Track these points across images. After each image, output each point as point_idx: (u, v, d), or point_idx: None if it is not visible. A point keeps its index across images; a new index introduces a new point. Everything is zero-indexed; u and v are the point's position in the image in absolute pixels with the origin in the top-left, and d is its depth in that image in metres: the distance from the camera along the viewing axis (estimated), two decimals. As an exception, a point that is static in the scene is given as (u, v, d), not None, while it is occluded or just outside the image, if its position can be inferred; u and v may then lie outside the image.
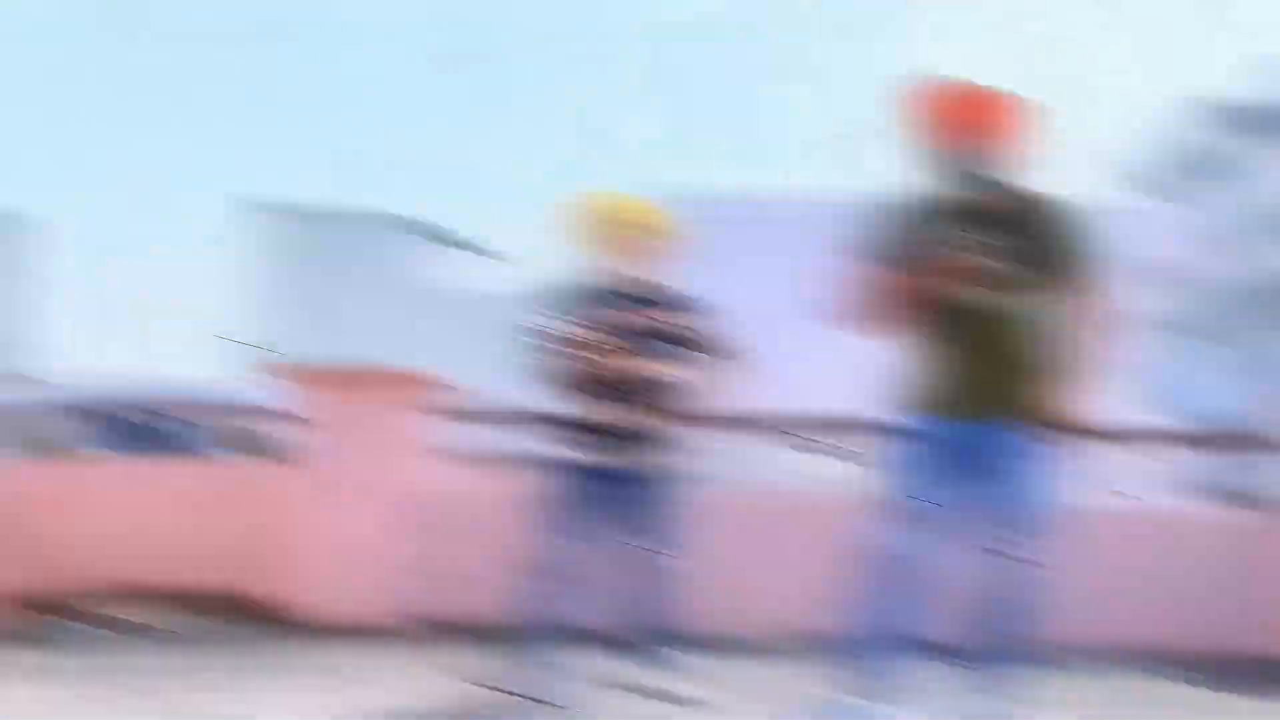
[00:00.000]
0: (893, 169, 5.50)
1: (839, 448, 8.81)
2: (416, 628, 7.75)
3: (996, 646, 5.36)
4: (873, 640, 5.35)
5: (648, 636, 6.22)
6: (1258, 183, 36.81)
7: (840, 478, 8.47)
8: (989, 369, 5.35)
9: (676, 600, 6.18)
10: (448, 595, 7.89)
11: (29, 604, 7.69)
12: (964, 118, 5.32)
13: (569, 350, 6.12)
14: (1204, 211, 32.93)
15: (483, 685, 6.03)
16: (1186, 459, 8.38)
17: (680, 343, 6.18)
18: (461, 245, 40.78)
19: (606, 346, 6.09)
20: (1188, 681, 7.01)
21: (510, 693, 5.94)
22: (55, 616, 7.64)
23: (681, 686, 6.11)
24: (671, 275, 6.32)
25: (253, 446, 12.07)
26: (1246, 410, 29.85)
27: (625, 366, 6.09)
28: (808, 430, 9.00)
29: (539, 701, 5.90)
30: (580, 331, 6.11)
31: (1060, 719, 5.78)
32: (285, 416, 8.51)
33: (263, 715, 5.74)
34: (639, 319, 6.14)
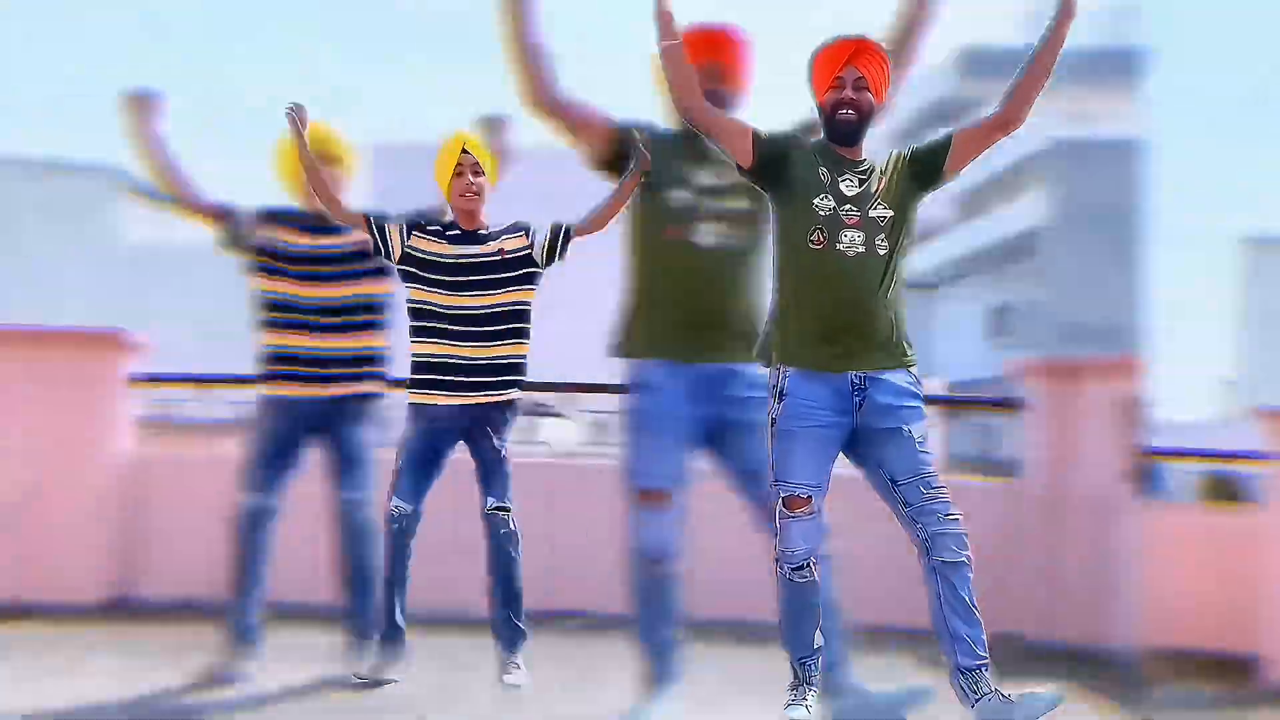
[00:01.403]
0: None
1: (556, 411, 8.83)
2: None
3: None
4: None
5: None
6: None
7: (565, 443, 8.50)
8: (714, 308, 5.59)
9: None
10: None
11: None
12: (697, 56, 5.48)
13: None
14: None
15: None
16: (943, 423, 8.43)
17: (522, 265, 6.25)
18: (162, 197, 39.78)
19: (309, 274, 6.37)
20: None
21: None
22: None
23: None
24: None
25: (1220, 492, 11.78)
26: (994, 370, 30.76)
27: (329, 290, 6.37)
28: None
29: None
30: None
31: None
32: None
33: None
34: (486, 251, 6.21)
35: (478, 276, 6.15)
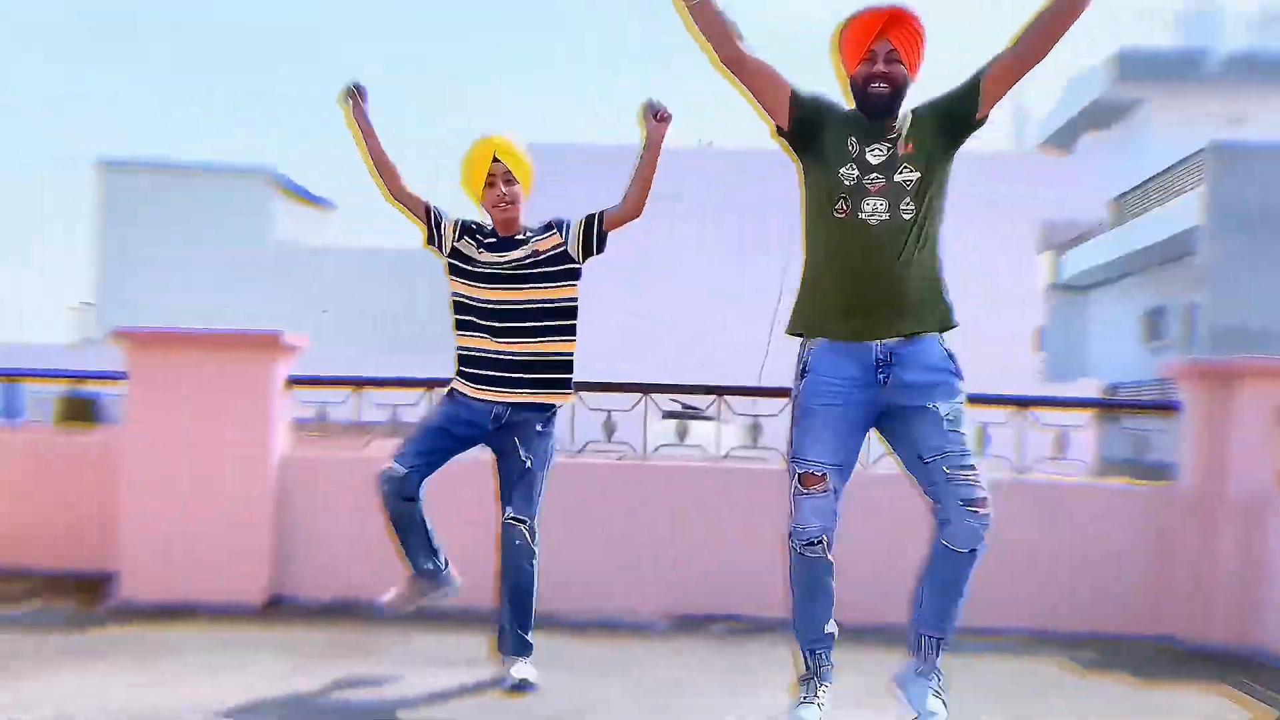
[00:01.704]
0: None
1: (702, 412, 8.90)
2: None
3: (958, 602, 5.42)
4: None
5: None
6: (1152, 135, 37.36)
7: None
8: (881, 287, 5.36)
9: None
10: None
11: None
12: (870, 44, 5.35)
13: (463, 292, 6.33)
14: (1104, 165, 33.26)
15: None
16: (1096, 426, 8.42)
17: (559, 263, 6.31)
18: (318, 200, 40.14)
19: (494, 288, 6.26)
20: (1095, 667, 7.10)
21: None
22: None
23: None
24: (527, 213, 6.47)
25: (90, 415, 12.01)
26: (1149, 373, 30.36)
27: (513, 298, 6.26)
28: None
29: None
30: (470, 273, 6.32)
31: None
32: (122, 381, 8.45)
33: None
34: (518, 256, 6.27)
35: (511, 273, 6.22)
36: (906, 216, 5.29)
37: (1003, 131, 48.59)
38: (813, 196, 5.48)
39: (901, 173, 5.31)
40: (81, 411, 11.79)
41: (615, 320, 24.94)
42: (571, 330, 6.32)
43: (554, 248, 6.28)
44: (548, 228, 6.34)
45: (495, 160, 6.25)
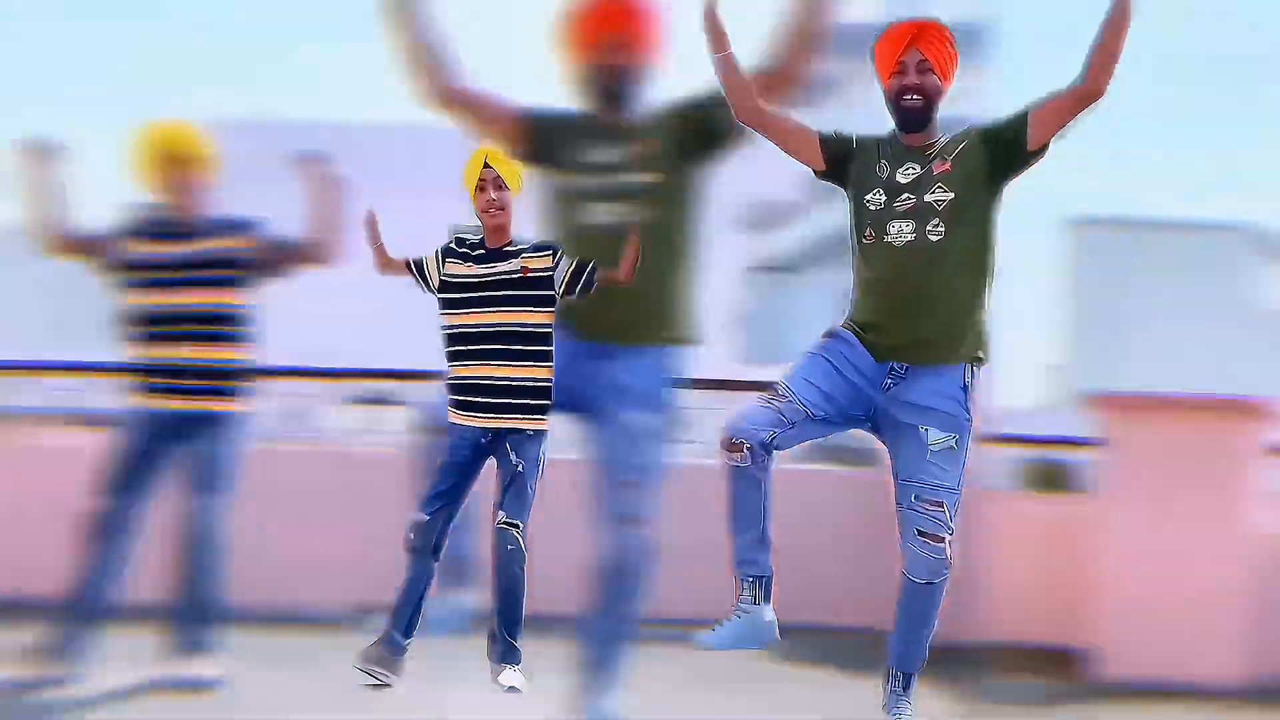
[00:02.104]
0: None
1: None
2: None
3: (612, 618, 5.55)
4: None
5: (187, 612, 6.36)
6: (853, 110, 38.19)
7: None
8: (916, 303, 5.28)
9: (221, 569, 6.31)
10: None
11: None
12: (600, 33, 5.52)
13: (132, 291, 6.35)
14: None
15: None
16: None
17: (234, 266, 6.37)
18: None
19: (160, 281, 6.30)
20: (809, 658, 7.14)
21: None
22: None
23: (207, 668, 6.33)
24: (213, 202, 6.49)
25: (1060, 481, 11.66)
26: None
27: (178, 301, 6.30)
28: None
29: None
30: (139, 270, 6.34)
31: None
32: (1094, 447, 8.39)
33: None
34: (187, 250, 6.33)
35: (501, 293, 6.05)
36: (934, 239, 5.21)
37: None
38: (849, 225, 5.46)
39: (933, 192, 5.24)
40: (1053, 478, 11.37)
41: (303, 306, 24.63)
42: (548, 356, 6.08)
43: (543, 269, 6.07)
44: (542, 248, 6.15)
45: (486, 165, 6.07)
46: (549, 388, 6.08)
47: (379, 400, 8.97)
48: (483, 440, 6.06)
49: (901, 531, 5.27)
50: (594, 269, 6.04)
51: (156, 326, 6.28)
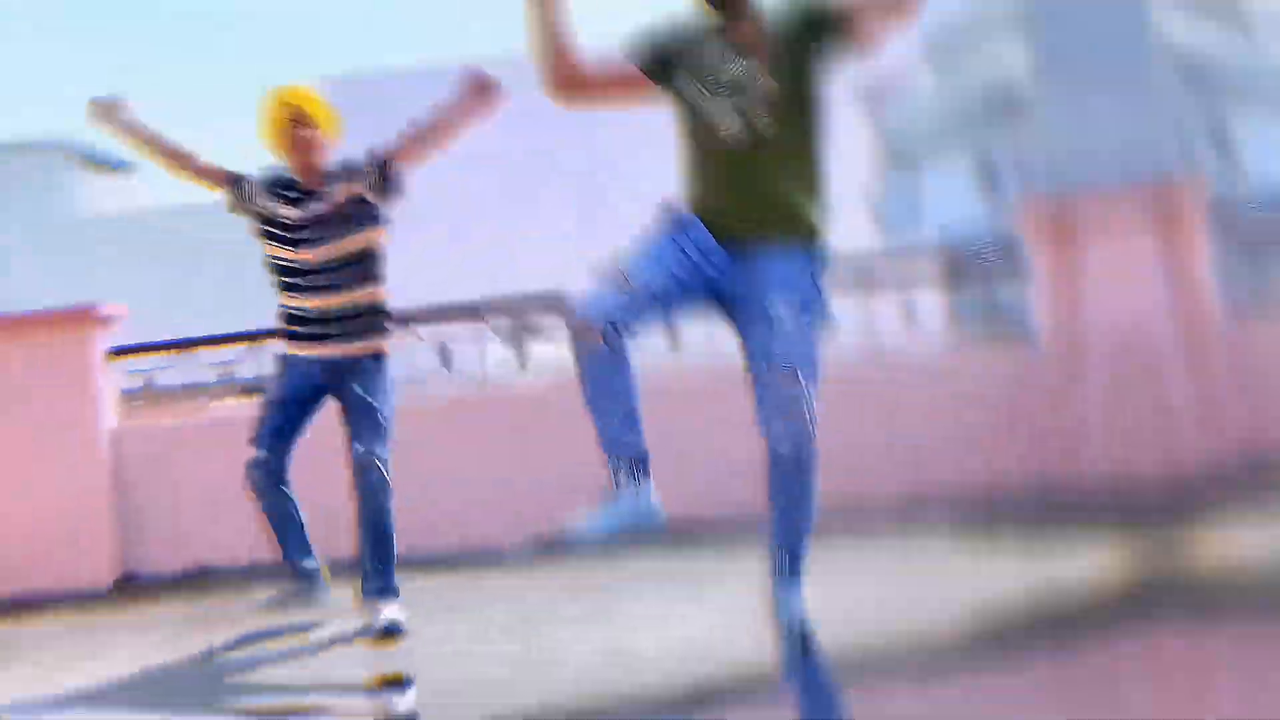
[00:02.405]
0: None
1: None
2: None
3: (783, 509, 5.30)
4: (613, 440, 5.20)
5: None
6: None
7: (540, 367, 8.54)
8: (751, 196, 5.29)
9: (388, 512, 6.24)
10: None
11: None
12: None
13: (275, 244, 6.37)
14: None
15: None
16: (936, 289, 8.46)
17: (361, 209, 6.33)
18: (118, 166, 39.19)
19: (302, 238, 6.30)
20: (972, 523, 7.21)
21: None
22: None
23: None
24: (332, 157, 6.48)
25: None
26: (987, 226, 30.69)
27: (320, 256, 6.29)
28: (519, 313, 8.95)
29: None
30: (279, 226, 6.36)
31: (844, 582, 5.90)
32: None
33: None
34: (318, 210, 6.32)
35: (319, 233, 6.27)
36: (767, 133, 5.23)
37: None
38: (679, 128, 5.41)
39: (756, 84, 5.24)
40: None
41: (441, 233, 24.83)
42: (378, 277, 6.37)
43: (351, 197, 6.31)
44: (344, 175, 6.35)
45: (284, 105, 6.31)
46: (383, 307, 6.35)
47: (523, 332, 8.99)
48: (321, 371, 6.28)
49: (761, 410, 5.19)
50: (386, 161, 6.27)
51: (300, 278, 6.32)
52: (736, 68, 5.27)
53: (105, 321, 8.22)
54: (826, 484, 5.15)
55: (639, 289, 5.11)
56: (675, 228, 5.28)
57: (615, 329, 5.07)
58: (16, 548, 7.93)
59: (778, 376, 5.12)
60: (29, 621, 7.31)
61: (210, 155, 6.53)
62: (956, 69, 35.10)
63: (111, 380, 8.31)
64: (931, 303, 8.63)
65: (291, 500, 6.36)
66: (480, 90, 6.29)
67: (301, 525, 6.41)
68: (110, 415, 8.25)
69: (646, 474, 5.18)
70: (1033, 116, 29.55)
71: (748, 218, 5.26)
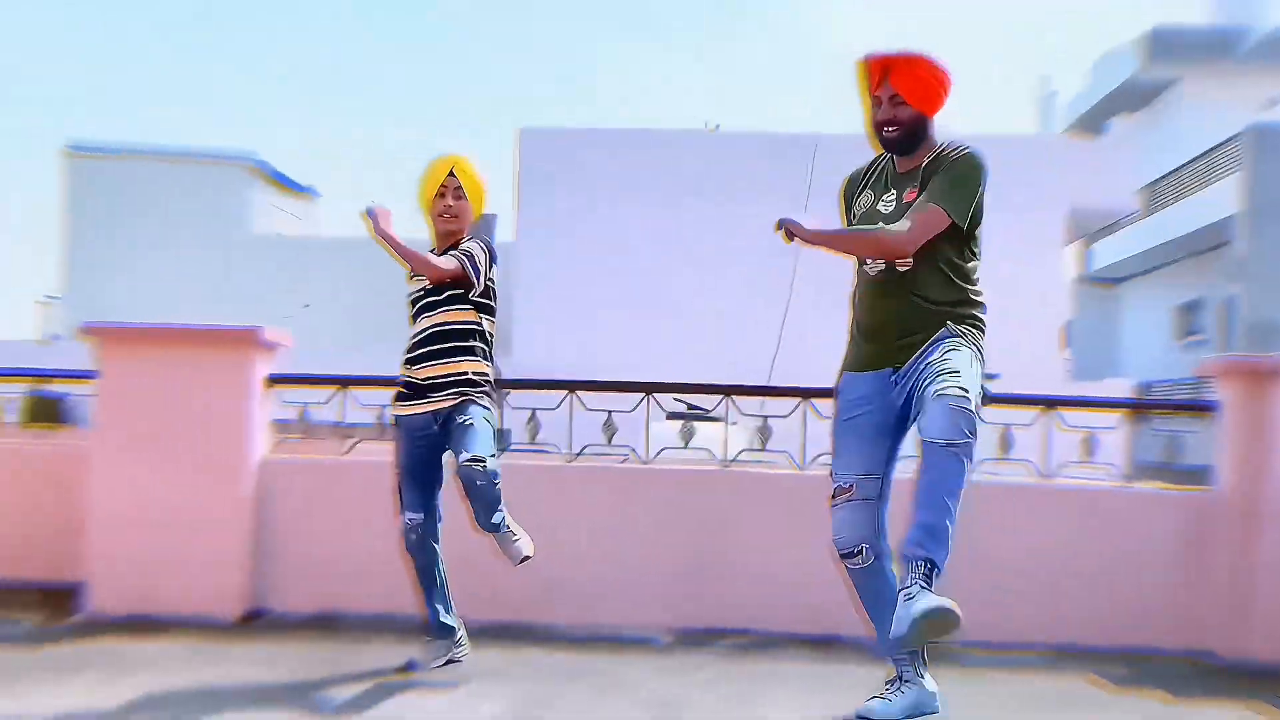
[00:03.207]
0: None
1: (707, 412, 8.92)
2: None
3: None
4: None
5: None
6: (1186, 118, 37.19)
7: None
8: (894, 325, 5.81)
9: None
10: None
11: None
12: (876, 86, 5.86)
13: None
14: (1136, 150, 32.93)
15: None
16: (1128, 429, 8.39)
17: (456, 289, 6.72)
18: (300, 189, 39.88)
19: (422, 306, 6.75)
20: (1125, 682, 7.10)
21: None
22: None
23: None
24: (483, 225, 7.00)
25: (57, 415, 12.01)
26: (1184, 368, 30.25)
27: (422, 326, 6.74)
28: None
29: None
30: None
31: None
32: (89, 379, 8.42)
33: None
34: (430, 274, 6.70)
35: (427, 301, 6.74)
36: (901, 268, 5.77)
37: (1026, 114, 48.48)
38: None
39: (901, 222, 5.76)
40: (49, 412, 11.71)
41: (620, 317, 24.98)
42: (472, 351, 6.73)
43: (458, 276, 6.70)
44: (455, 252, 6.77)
45: (450, 175, 6.77)
46: (469, 377, 6.69)
47: (695, 415, 9.08)
48: (432, 420, 6.66)
49: (919, 405, 5.55)
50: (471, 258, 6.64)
51: (412, 349, 6.74)
52: (891, 205, 5.87)
53: (268, 347, 8.32)
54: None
55: (864, 488, 5.79)
56: (842, 403, 5.95)
57: (872, 544, 5.79)
58: (150, 564, 8.01)
59: (938, 377, 5.50)
60: (151, 640, 7.36)
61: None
62: (1169, 207, 34.88)
63: (266, 408, 8.39)
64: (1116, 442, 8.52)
65: (439, 561, 6.78)
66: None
67: (445, 584, 6.82)
68: (261, 444, 8.34)
69: (925, 665, 5.93)
70: (1240, 259, 29.22)
71: (895, 340, 5.79)
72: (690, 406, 12.67)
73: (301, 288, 32.57)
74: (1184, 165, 34.70)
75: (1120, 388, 27.49)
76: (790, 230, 5.67)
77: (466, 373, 6.65)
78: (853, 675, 6.66)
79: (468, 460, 6.37)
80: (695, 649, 7.57)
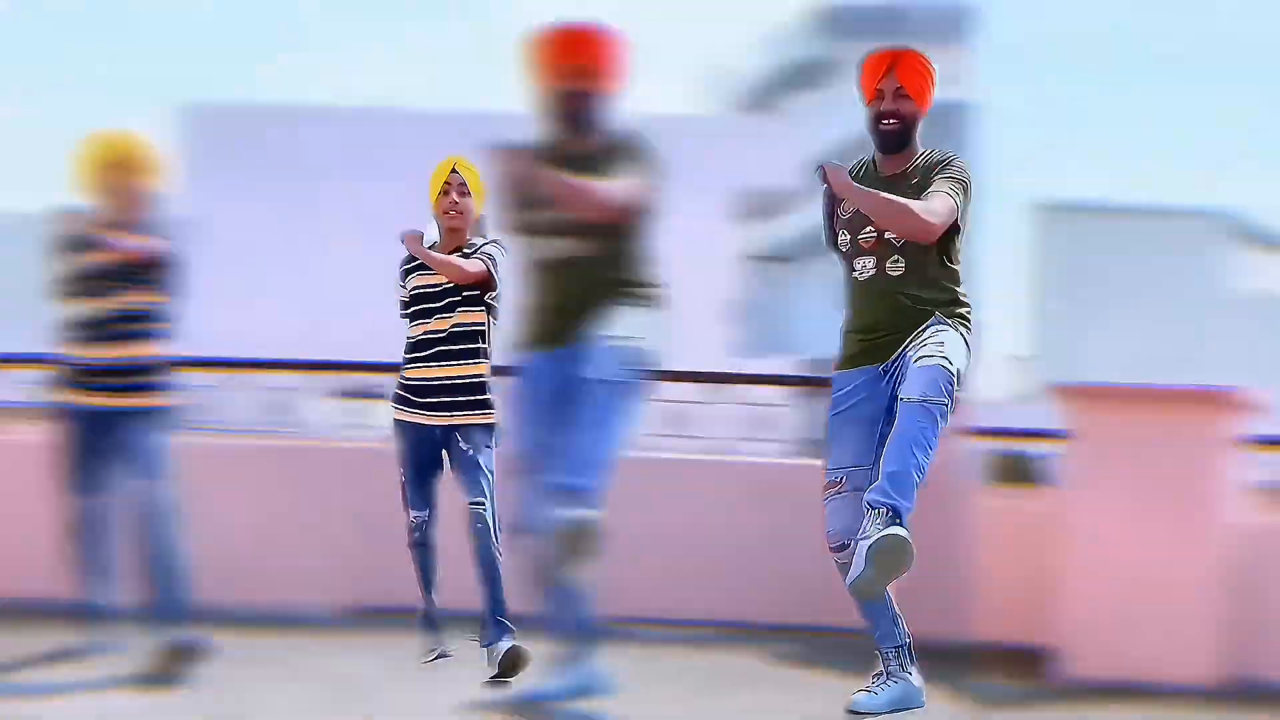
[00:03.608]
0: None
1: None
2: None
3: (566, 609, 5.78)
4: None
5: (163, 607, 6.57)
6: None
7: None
8: (568, 303, 5.78)
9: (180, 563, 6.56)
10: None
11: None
12: (562, 59, 5.79)
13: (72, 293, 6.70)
14: (809, 128, 33.56)
15: None
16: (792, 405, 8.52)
17: (152, 268, 6.64)
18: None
19: (89, 288, 6.62)
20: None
21: None
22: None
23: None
24: (158, 203, 6.83)
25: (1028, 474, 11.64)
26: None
27: (103, 304, 6.58)
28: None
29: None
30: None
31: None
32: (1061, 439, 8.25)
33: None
34: (114, 254, 6.56)
35: (443, 303, 6.63)
36: (894, 273, 5.76)
37: (699, 96, 48.95)
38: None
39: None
40: (1018, 471, 11.21)
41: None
42: (485, 354, 6.70)
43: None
44: (471, 250, 6.70)
45: (453, 172, 6.70)
46: (486, 383, 6.69)
47: (363, 394, 9.06)
48: (438, 433, 6.62)
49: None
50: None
51: (85, 329, 6.60)
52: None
53: (1236, 406, 8.01)
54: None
55: (854, 479, 5.73)
56: (834, 399, 5.92)
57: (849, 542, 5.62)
58: (1125, 630, 7.78)
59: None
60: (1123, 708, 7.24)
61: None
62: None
63: (1238, 470, 8.09)
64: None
65: (434, 555, 6.71)
66: None
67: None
68: (1234, 508, 8.00)
69: (913, 659, 5.91)
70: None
71: (890, 342, 5.75)
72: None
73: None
74: (856, 142, 35.39)
75: (788, 364, 27.93)
76: (828, 175, 5.66)
77: (482, 375, 6.63)
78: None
79: (471, 503, 6.44)
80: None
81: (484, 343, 6.67)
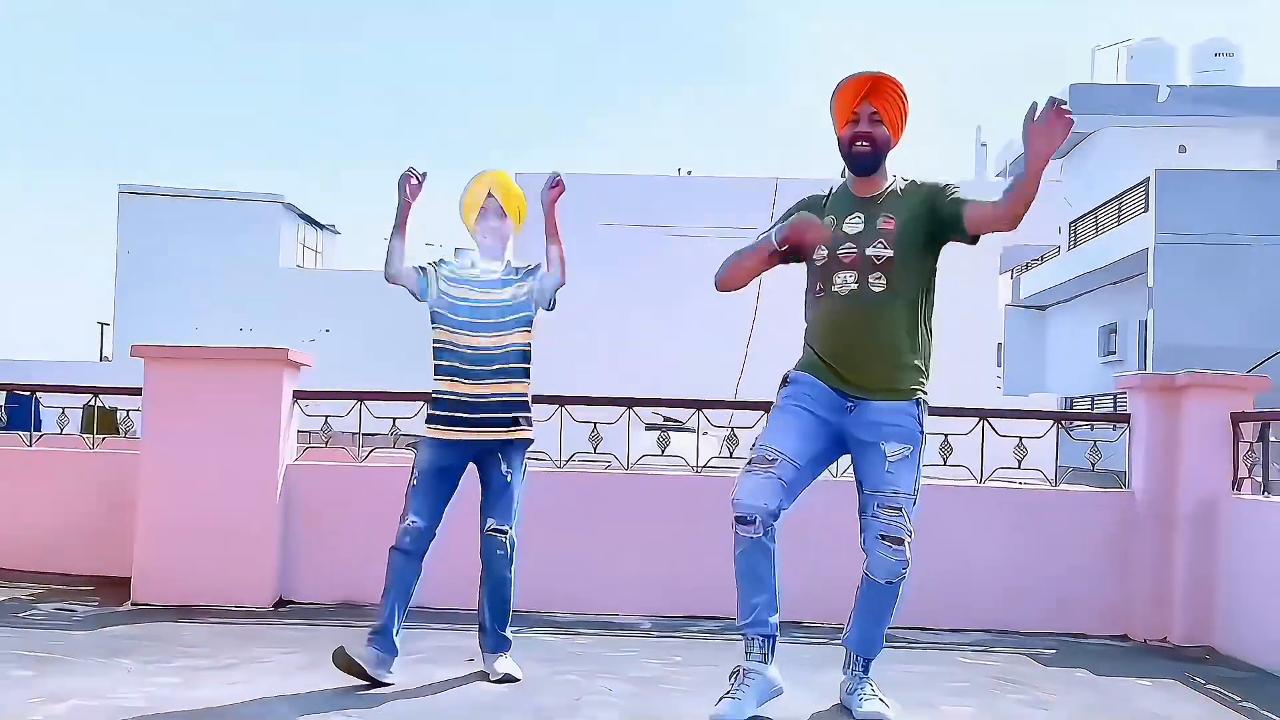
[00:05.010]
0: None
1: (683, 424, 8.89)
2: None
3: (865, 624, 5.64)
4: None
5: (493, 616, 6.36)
6: (1101, 160, 37.45)
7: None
8: (860, 349, 5.50)
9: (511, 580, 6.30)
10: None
11: None
12: (855, 107, 5.56)
13: (447, 329, 6.32)
14: (1059, 191, 33.07)
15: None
16: (1054, 437, 8.37)
17: (524, 311, 6.36)
18: (320, 225, 40.07)
19: (474, 324, 6.28)
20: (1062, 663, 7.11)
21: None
22: None
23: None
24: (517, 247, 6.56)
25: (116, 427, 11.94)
26: (1104, 384, 30.32)
27: (488, 343, 6.27)
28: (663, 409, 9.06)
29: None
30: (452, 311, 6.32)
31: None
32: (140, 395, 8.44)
33: None
34: (500, 295, 6.33)
35: (494, 321, 6.27)
36: (877, 290, 5.47)
37: (964, 161, 48.59)
38: (807, 280, 5.72)
39: (874, 246, 5.48)
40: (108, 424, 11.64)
41: (604, 338, 24.94)
42: (528, 374, 6.39)
43: (527, 294, 6.37)
44: (529, 273, 6.43)
45: (489, 196, 6.36)
46: (528, 401, 6.37)
47: (673, 427, 9.05)
48: (471, 453, 6.27)
49: (864, 536, 5.44)
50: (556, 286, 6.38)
51: (460, 364, 6.25)
52: (858, 226, 5.54)
53: (296, 366, 8.35)
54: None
55: (783, 469, 5.41)
56: (794, 391, 5.60)
57: (772, 517, 5.39)
58: (188, 558, 8.05)
59: (885, 510, 5.39)
60: (193, 627, 7.36)
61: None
62: (1090, 242, 35.05)
63: (294, 419, 8.45)
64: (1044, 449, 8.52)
65: (416, 569, 6.24)
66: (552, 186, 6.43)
67: (409, 595, 6.26)
68: (289, 451, 8.37)
69: (774, 652, 5.54)
70: (1150, 291, 29.32)
71: (859, 366, 5.49)
72: (666, 419, 12.61)
73: (321, 314, 32.79)
74: (1101, 205, 34.91)
75: (1047, 401, 27.61)
76: (804, 229, 5.47)
77: (526, 395, 6.34)
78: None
79: (493, 529, 6.19)
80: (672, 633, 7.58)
81: (528, 362, 6.34)
